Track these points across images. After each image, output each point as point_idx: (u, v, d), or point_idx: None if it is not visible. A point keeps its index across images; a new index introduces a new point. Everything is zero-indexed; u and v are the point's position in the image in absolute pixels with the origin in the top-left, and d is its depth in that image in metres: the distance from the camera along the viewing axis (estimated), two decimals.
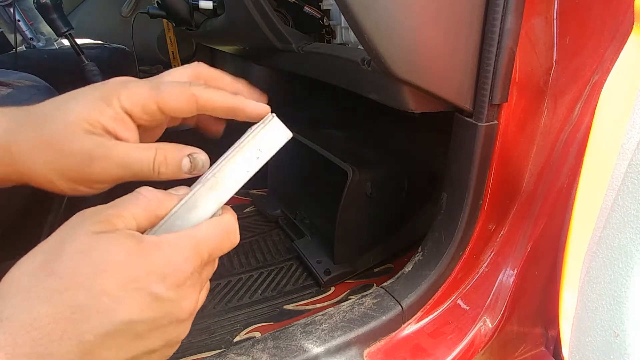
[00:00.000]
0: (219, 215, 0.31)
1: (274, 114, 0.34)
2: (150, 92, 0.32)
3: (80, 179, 0.31)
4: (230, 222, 0.31)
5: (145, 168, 0.32)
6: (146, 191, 0.29)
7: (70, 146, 0.30)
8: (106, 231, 0.26)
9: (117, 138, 0.32)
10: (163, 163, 0.32)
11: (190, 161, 0.32)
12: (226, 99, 0.33)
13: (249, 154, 0.32)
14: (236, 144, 0.32)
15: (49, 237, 0.27)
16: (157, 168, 0.32)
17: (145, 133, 0.34)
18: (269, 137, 0.33)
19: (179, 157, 0.32)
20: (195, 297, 0.29)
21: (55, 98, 0.32)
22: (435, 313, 0.58)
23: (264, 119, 0.33)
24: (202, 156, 0.33)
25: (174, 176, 0.33)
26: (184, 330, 0.29)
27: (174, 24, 0.88)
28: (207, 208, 0.31)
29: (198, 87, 0.33)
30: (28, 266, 0.25)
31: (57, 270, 0.25)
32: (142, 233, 0.28)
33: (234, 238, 0.31)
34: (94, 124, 0.31)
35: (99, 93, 0.32)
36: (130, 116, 0.32)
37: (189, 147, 0.33)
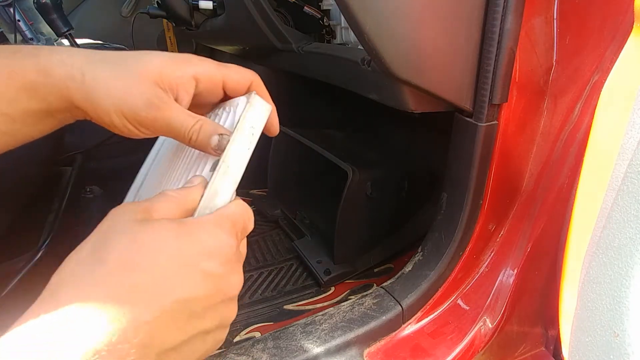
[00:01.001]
0: (235, 198, 0.35)
1: (253, 91, 0.38)
2: (218, 65, 0.39)
3: (133, 119, 0.36)
4: (246, 205, 0.34)
5: (182, 131, 0.37)
6: (171, 191, 0.32)
7: (136, 89, 0.35)
8: (149, 219, 0.28)
9: (175, 97, 0.37)
10: (196, 132, 0.37)
11: (219, 140, 0.37)
12: (267, 95, 0.40)
13: (245, 133, 0.35)
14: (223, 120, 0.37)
15: (93, 233, 0.28)
16: (190, 134, 0.37)
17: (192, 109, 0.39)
18: (256, 113, 0.37)
19: (212, 132, 0.37)
20: (241, 272, 0.31)
21: (132, 52, 0.38)
22: (435, 313, 0.58)
23: (247, 97, 0.37)
24: (226, 140, 0.37)
25: (201, 146, 0.37)
26: (233, 308, 0.31)
27: (174, 24, 0.88)
28: (227, 191, 0.34)
29: (253, 73, 0.40)
30: (76, 258, 0.26)
31: (107, 256, 0.26)
32: None
33: (252, 219, 0.35)
34: (164, 78, 0.36)
35: (175, 56, 0.38)
36: (197, 82, 0.38)
37: (224, 128, 0.38)
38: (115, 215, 0.29)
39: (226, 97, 0.41)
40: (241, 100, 0.38)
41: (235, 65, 0.39)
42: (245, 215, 0.34)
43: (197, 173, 0.37)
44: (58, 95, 0.35)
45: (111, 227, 0.28)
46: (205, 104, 0.41)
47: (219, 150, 0.37)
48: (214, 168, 0.34)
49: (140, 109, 0.35)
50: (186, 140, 0.37)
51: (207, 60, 0.39)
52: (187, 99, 0.38)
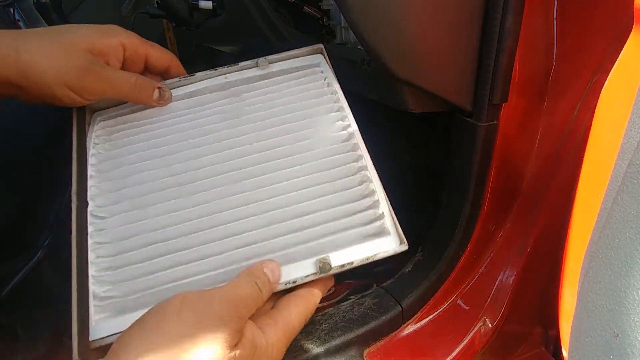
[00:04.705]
0: (309, 291, 0.37)
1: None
2: (142, 40, 0.43)
3: (74, 86, 0.38)
4: (316, 302, 0.37)
5: (126, 86, 0.40)
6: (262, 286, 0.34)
7: (71, 58, 0.37)
8: (238, 344, 0.30)
9: (106, 63, 0.41)
10: (141, 86, 0.41)
11: (159, 93, 0.42)
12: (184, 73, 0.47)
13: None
14: None
15: (159, 325, 0.29)
16: (137, 89, 0.41)
17: None
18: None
19: (153, 85, 0.42)
20: None
21: (61, 26, 0.41)
22: (435, 313, 0.58)
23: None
24: (167, 93, 0.44)
25: (147, 100, 0.42)
26: None
27: (173, 24, 0.88)
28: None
29: (174, 56, 0.45)
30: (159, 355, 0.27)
31: None
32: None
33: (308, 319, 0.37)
34: (95, 46, 0.39)
35: (104, 27, 0.41)
36: (124, 49, 0.41)
37: (159, 83, 0.43)
38: (213, 342, 0.28)
39: (145, 71, 0.45)
40: None
41: (158, 45, 0.44)
42: (304, 323, 0.36)
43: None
44: None
45: (204, 347, 0.28)
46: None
47: (162, 101, 0.43)
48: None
49: (79, 75, 0.37)
50: (134, 95, 0.41)
51: (132, 32, 0.42)
52: (117, 65, 0.42)
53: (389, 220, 0.40)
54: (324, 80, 0.48)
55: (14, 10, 1.14)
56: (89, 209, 0.38)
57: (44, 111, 0.48)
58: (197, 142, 0.42)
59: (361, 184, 0.41)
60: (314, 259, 0.37)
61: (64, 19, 0.96)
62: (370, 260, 0.38)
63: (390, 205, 0.40)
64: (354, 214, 0.40)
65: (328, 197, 0.40)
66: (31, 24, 1.24)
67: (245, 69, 0.48)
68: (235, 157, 0.41)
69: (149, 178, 0.40)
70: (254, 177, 0.40)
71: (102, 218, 0.38)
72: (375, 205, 0.40)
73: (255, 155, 0.41)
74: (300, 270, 0.37)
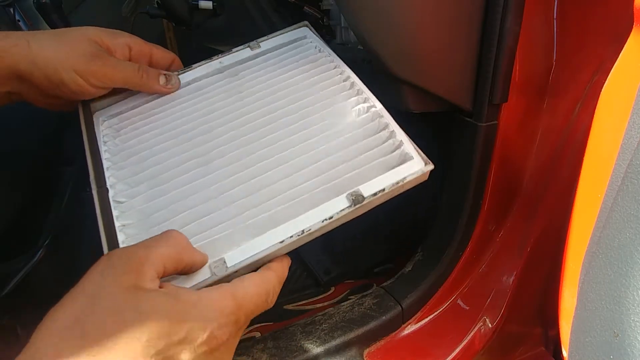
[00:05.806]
0: (266, 267, 0.34)
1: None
2: (147, 42, 0.45)
3: (81, 70, 0.39)
4: (274, 282, 0.32)
5: (133, 71, 0.42)
6: (176, 232, 0.31)
7: (80, 46, 0.39)
8: (137, 286, 0.26)
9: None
10: (146, 70, 0.43)
11: (165, 78, 0.44)
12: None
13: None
14: None
15: (79, 286, 0.26)
16: (143, 73, 0.42)
17: None
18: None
19: (157, 71, 0.44)
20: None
21: (71, 27, 0.43)
22: (435, 313, 0.58)
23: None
24: (174, 78, 0.45)
25: (154, 85, 0.43)
26: None
27: (174, 24, 0.88)
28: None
29: (175, 55, 0.47)
30: (61, 323, 0.25)
31: (89, 331, 0.24)
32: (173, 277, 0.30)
33: (272, 300, 0.33)
34: (103, 40, 0.41)
35: (110, 29, 0.44)
36: (130, 49, 0.44)
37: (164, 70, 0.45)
38: (105, 273, 0.26)
39: None
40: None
41: (160, 46, 0.47)
42: (259, 298, 0.31)
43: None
44: (2, 65, 0.37)
45: (98, 291, 0.25)
46: None
47: (169, 85, 0.44)
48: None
49: (87, 60, 0.39)
50: (140, 79, 0.42)
51: (136, 36, 0.45)
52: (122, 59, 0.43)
53: (408, 146, 0.40)
54: (315, 48, 0.50)
55: (14, 10, 1.14)
56: (110, 194, 0.39)
57: (44, 112, 0.48)
58: (205, 120, 0.44)
59: (374, 120, 0.42)
60: (345, 194, 0.37)
61: (64, 19, 0.96)
62: (401, 184, 0.38)
63: (406, 134, 0.41)
64: (374, 148, 0.40)
65: (344, 138, 0.40)
66: (31, 24, 1.24)
67: (238, 52, 0.50)
68: (245, 123, 0.42)
69: (164, 158, 0.41)
70: (268, 135, 0.41)
71: (124, 202, 0.39)
72: (392, 135, 0.41)
73: (265, 117, 0.43)
74: (334, 207, 0.37)
